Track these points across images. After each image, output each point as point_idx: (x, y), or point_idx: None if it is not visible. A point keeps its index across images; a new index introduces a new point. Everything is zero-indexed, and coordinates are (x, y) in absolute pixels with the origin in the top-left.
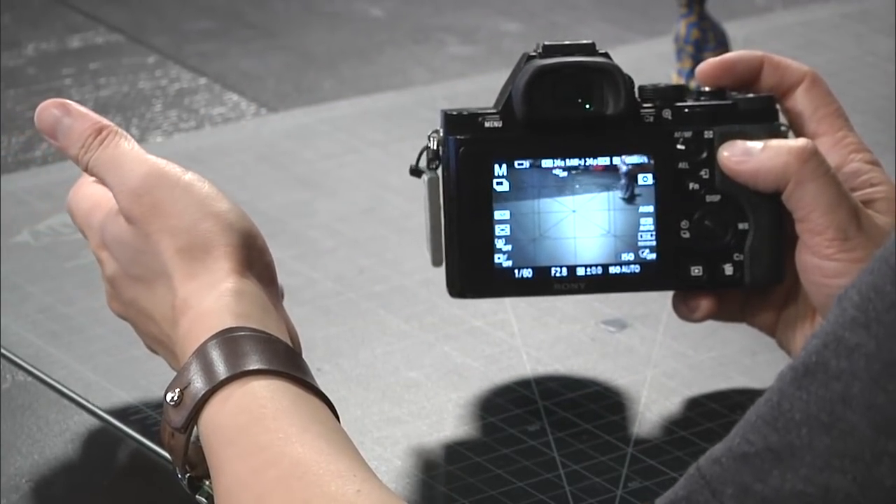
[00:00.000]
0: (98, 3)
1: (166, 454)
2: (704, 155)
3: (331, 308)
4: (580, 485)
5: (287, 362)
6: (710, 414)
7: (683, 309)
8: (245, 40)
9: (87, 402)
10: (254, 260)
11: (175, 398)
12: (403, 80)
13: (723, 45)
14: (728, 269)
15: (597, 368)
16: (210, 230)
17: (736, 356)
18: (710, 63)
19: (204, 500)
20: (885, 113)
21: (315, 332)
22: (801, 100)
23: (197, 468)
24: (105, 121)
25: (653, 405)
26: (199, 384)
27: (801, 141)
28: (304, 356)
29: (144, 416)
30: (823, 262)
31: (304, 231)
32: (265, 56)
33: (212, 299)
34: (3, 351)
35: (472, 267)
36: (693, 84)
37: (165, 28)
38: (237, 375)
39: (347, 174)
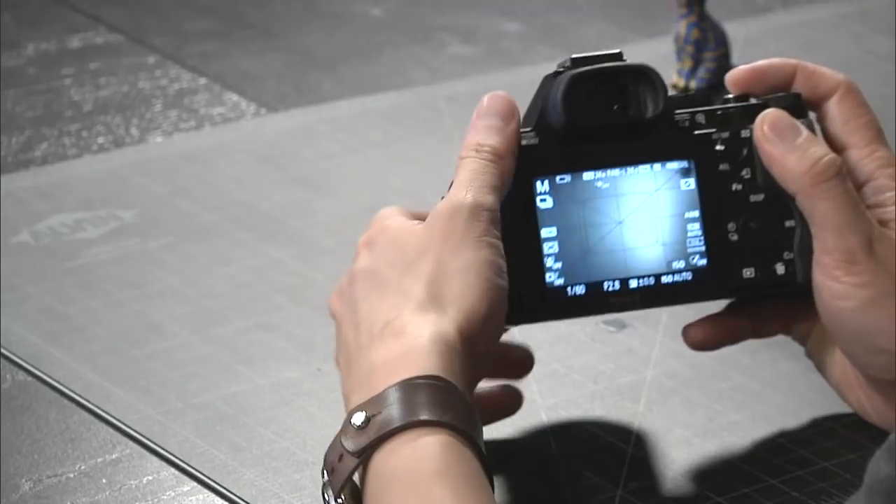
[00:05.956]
0: (98, 3)
1: (191, 469)
2: (744, 155)
3: None
4: (580, 485)
5: (475, 428)
6: (709, 414)
7: (701, 337)
8: (245, 40)
9: (87, 402)
10: (480, 344)
11: (362, 423)
12: (403, 80)
13: (723, 45)
14: (780, 269)
15: (597, 368)
16: (475, 291)
17: (736, 356)
18: (741, 70)
19: None
20: (885, 113)
21: (315, 332)
22: (832, 110)
23: (350, 499)
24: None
25: (653, 405)
26: (393, 415)
27: (828, 158)
28: (304, 356)
29: (144, 415)
30: (829, 282)
31: (304, 231)
32: (265, 56)
33: (429, 341)
34: (3, 351)
35: (524, 290)
36: (693, 84)
37: (165, 28)
38: (433, 423)
39: (347, 174)
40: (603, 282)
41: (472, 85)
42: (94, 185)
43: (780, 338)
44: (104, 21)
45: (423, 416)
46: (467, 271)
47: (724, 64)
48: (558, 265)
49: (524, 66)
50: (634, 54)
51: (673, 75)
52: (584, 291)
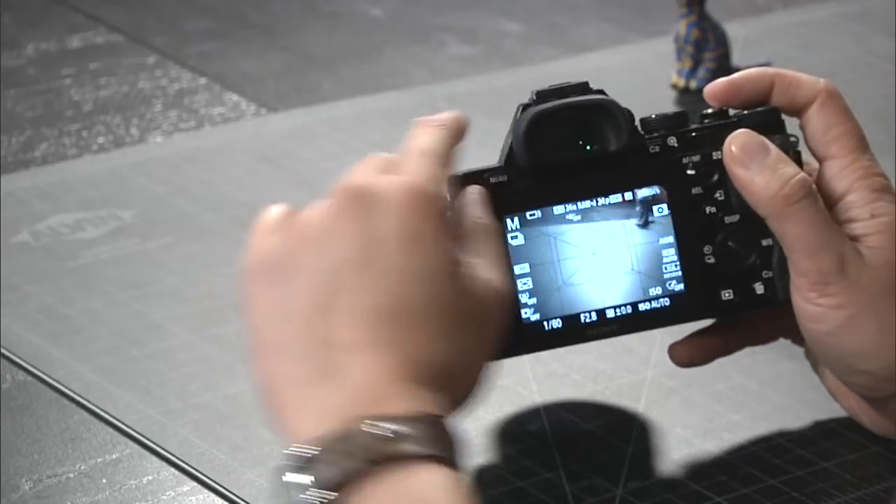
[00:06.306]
0: (98, 3)
1: (162, 453)
2: (716, 177)
3: None
4: (580, 485)
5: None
6: (709, 414)
7: (686, 357)
8: (245, 40)
9: (87, 401)
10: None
11: (391, 434)
12: (403, 80)
13: (723, 45)
14: (759, 288)
15: (597, 368)
16: (476, 389)
17: (736, 356)
18: (718, 84)
19: None
20: (885, 113)
21: None
22: (813, 119)
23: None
24: None
25: (653, 405)
26: (427, 440)
27: (797, 179)
28: None
29: (144, 415)
30: (805, 304)
31: None
32: (265, 56)
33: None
34: (3, 351)
35: None
36: (693, 84)
37: (165, 28)
38: (452, 462)
39: None
40: (579, 314)
41: (472, 85)
42: (94, 185)
43: (780, 338)
44: (104, 21)
45: (449, 454)
46: (479, 369)
47: (724, 64)
48: (533, 301)
49: (524, 66)
50: (634, 54)
51: (673, 75)
52: (560, 325)
